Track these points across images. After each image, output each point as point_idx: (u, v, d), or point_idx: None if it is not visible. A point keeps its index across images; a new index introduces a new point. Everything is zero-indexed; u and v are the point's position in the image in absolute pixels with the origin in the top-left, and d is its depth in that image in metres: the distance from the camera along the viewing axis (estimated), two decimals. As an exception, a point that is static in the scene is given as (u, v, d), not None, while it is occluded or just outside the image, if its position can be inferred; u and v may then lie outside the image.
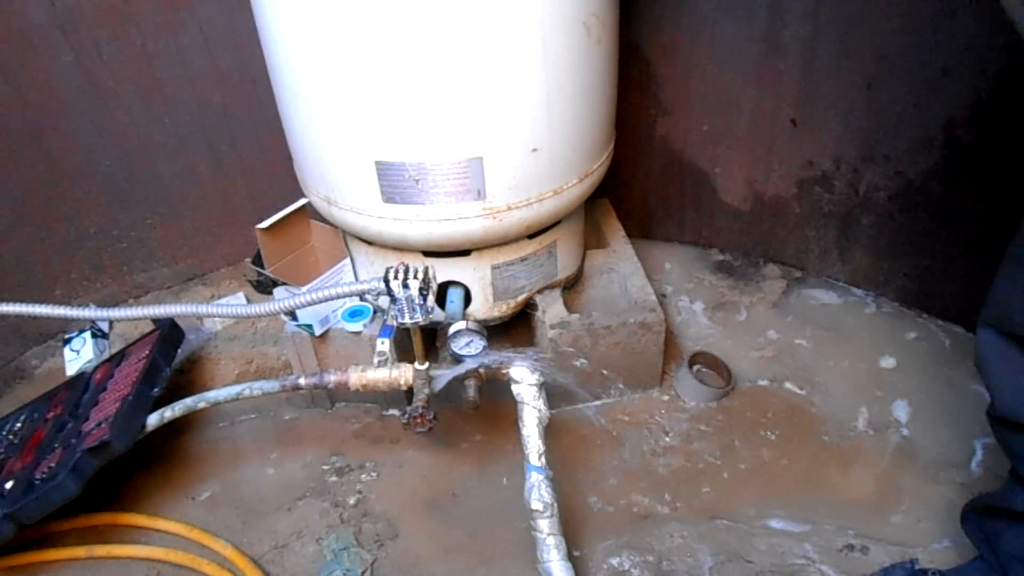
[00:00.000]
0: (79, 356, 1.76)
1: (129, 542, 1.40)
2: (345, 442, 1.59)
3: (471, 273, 1.46)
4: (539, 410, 1.29)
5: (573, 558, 1.24)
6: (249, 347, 1.73)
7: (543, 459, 1.26)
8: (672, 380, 1.66)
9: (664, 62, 1.81)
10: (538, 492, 1.22)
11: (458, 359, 1.36)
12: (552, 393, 1.51)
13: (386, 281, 1.18)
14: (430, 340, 1.56)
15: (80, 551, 1.37)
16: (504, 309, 1.53)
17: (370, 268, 1.54)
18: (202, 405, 1.40)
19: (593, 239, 1.82)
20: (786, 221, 1.90)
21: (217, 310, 1.35)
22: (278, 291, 1.57)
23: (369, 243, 1.48)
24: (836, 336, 1.75)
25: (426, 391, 1.33)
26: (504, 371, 1.33)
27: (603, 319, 1.50)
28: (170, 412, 1.39)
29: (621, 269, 1.68)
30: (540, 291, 1.56)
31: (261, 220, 1.59)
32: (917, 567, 1.23)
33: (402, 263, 1.20)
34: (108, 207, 1.86)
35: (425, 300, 1.19)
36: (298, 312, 1.48)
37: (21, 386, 1.79)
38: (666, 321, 1.54)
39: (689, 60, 1.78)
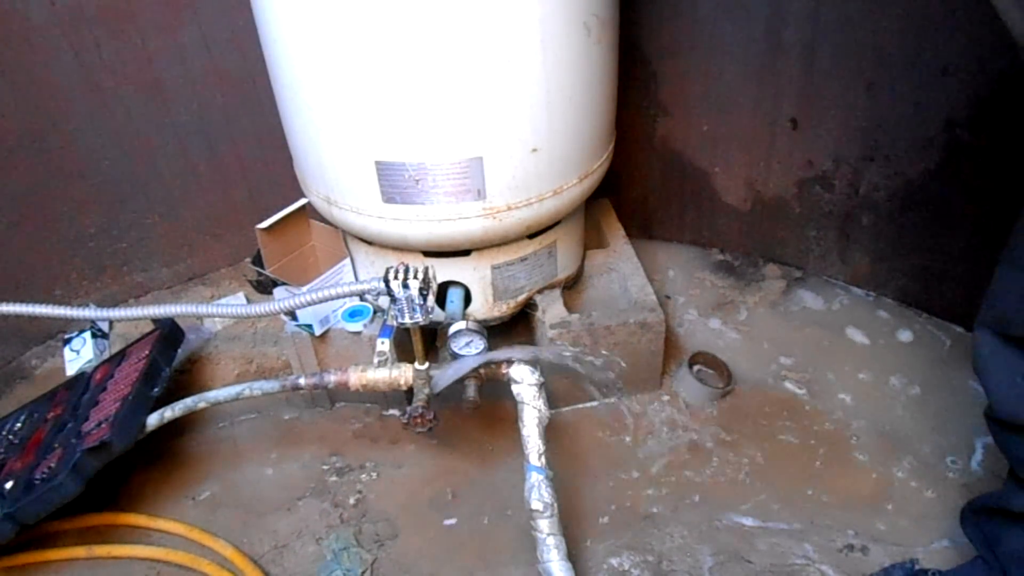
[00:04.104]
0: (79, 356, 1.76)
1: (129, 542, 1.40)
2: (345, 442, 1.59)
3: (471, 273, 1.46)
4: (539, 410, 1.29)
5: (573, 558, 1.24)
6: (249, 347, 1.73)
7: (543, 459, 1.26)
8: (672, 380, 1.66)
9: (664, 62, 1.81)
10: (538, 492, 1.22)
11: (458, 359, 1.36)
12: (552, 393, 1.51)
13: (386, 281, 1.18)
14: (430, 340, 1.56)
15: (80, 551, 1.37)
16: (504, 309, 1.53)
17: (370, 268, 1.54)
18: (202, 405, 1.40)
19: (593, 239, 1.82)
20: (786, 221, 1.90)
21: (217, 310, 1.35)
22: (278, 291, 1.57)
23: (369, 243, 1.48)
24: (836, 336, 1.75)
25: (426, 391, 1.33)
26: (504, 371, 1.34)
27: (603, 319, 1.50)
28: (170, 412, 1.39)
29: (621, 269, 1.68)
30: (540, 291, 1.56)
31: (261, 220, 1.59)
32: (917, 567, 1.23)
33: (402, 263, 1.20)
34: (108, 207, 1.86)
35: (425, 300, 1.19)
36: (298, 312, 1.48)
37: (21, 386, 1.79)
38: (666, 321, 1.54)
39: (689, 60, 1.78)
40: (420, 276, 1.18)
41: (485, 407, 1.41)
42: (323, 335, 1.53)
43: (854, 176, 1.73)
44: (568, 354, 1.43)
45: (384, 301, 1.44)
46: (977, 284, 1.23)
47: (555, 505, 1.23)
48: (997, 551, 1.12)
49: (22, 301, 1.42)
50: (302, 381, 1.38)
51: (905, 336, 1.73)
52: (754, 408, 1.59)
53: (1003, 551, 1.11)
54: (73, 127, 1.73)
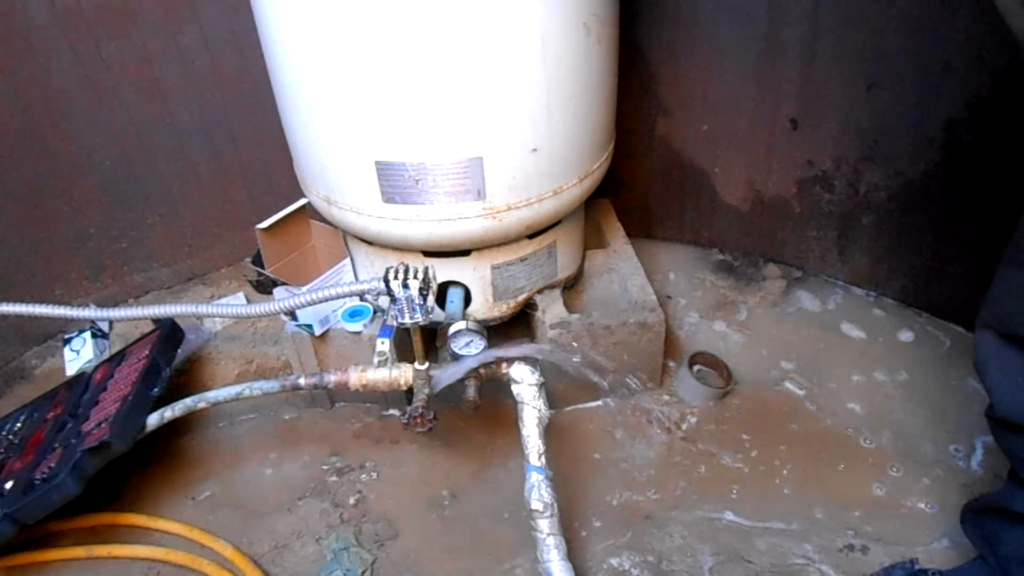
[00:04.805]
0: (79, 356, 1.76)
1: (129, 542, 1.39)
2: (345, 442, 1.59)
3: (471, 273, 1.46)
4: (539, 410, 1.29)
5: (573, 558, 1.24)
6: (249, 347, 1.73)
7: (543, 459, 1.26)
8: (672, 380, 1.66)
9: (664, 62, 1.81)
10: (538, 492, 1.22)
11: (458, 359, 1.36)
12: (552, 393, 1.51)
13: (386, 281, 1.18)
14: (430, 340, 1.56)
15: (80, 551, 1.37)
16: (504, 309, 1.53)
17: (370, 268, 1.54)
18: (202, 405, 1.40)
19: (593, 239, 1.82)
20: (786, 221, 1.90)
21: (217, 310, 1.35)
22: (278, 291, 1.57)
23: (369, 243, 1.48)
24: (836, 336, 1.75)
25: (426, 391, 1.33)
26: (504, 371, 1.33)
27: (603, 319, 1.50)
28: (170, 412, 1.39)
29: (621, 269, 1.68)
30: (540, 291, 1.56)
31: (261, 220, 1.60)
32: (917, 567, 1.23)
33: (402, 263, 1.20)
34: (108, 207, 1.86)
35: (425, 300, 1.19)
36: (298, 312, 1.48)
37: (21, 386, 1.79)
38: (666, 321, 1.54)
39: (689, 60, 1.78)
40: (420, 276, 1.18)
41: (485, 407, 1.41)
42: (323, 335, 1.53)
43: (854, 176, 1.73)
44: (570, 355, 1.42)
45: (384, 301, 1.44)
46: (977, 284, 1.23)
47: (555, 505, 1.23)
48: (997, 551, 1.12)
49: (22, 301, 1.42)
50: (302, 381, 1.38)
51: (905, 336, 1.73)
52: (754, 408, 1.59)
53: (1003, 551, 1.11)
54: (73, 127, 1.73)
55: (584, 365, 1.39)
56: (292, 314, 1.49)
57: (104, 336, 1.82)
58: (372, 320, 1.54)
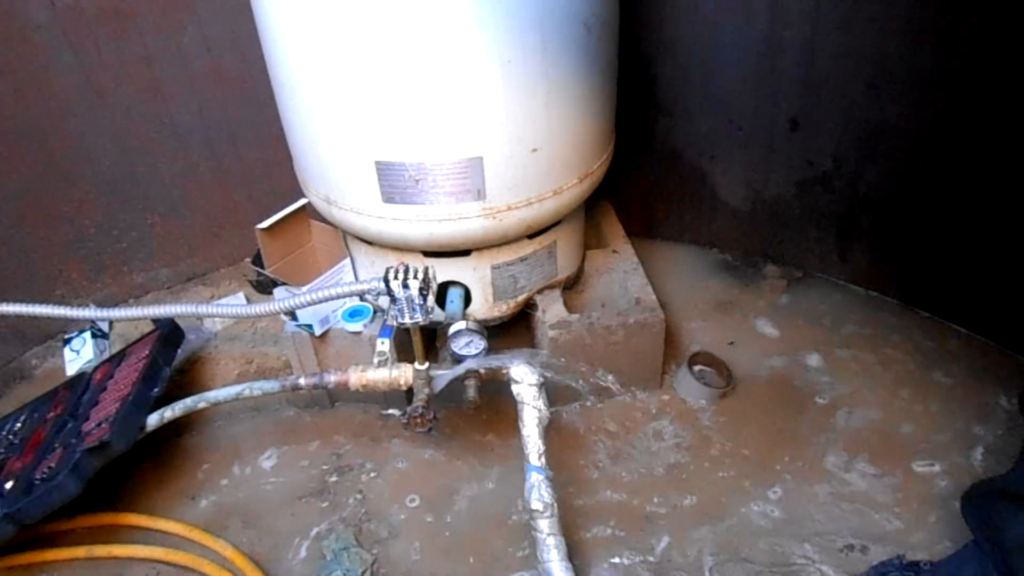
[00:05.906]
0: (79, 356, 1.76)
1: (129, 542, 1.39)
2: (345, 442, 1.59)
3: (471, 273, 1.46)
4: (539, 410, 1.29)
5: (573, 558, 1.24)
6: (249, 347, 1.73)
7: (543, 459, 1.26)
8: (672, 380, 1.66)
9: (664, 62, 1.81)
10: (538, 492, 1.22)
11: (458, 359, 1.36)
12: (552, 393, 1.51)
13: (386, 281, 1.18)
14: (430, 340, 1.56)
15: (80, 551, 1.37)
16: (504, 309, 1.53)
17: (370, 268, 1.54)
18: (202, 405, 1.40)
19: (593, 239, 1.82)
20: (786, 221, 1.90)
21: (217, 310, 1.35)
22: (278, 291, 1.57)
23: (369, 243, 1.48)
24: (836, 336, 1.75)
25: (426, 391, 1.33)
26: (504, 371, 1.33)
27: (603, 319, 1.50)
28: (170, 412, 1.39)
29: (621, 269, 1.68)
30: (540, 291, 1.56)
31: (261, 220, 1.59)
32: (907, 561, 1.23)
33: (402, 263, 1.20)
34: (108, 207, 1.86)
35: (425, 300, 1.19)
36: (298, 312, 1.48)
37: (21, 386, 1.79)
38: (666, 321, 1.54)
39: (689, 60, 1.78)
40: (420, 276, 1.18)
41: (485, 407, 1.41)
42: (323, 335, 1.53)
43: (854, 176, 1.73)
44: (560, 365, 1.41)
45: (384, 301, 1.44)
46: (977, 283, 1.24)
47: (555, 505, 1.23)
48: (1002, 536, 1.10)
49: (22, 301, 1.42)
50: (302, 381, 1.38)
51: (905, 335, 1.73)
52: (754, 407, 1.59)
53: (1009, 536, 1.09)
54: (73, 127, 1.73)
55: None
56: (292, 314, 1.49)
57: (104, 336, 1.82)
58: (372, 320, 1.54)
